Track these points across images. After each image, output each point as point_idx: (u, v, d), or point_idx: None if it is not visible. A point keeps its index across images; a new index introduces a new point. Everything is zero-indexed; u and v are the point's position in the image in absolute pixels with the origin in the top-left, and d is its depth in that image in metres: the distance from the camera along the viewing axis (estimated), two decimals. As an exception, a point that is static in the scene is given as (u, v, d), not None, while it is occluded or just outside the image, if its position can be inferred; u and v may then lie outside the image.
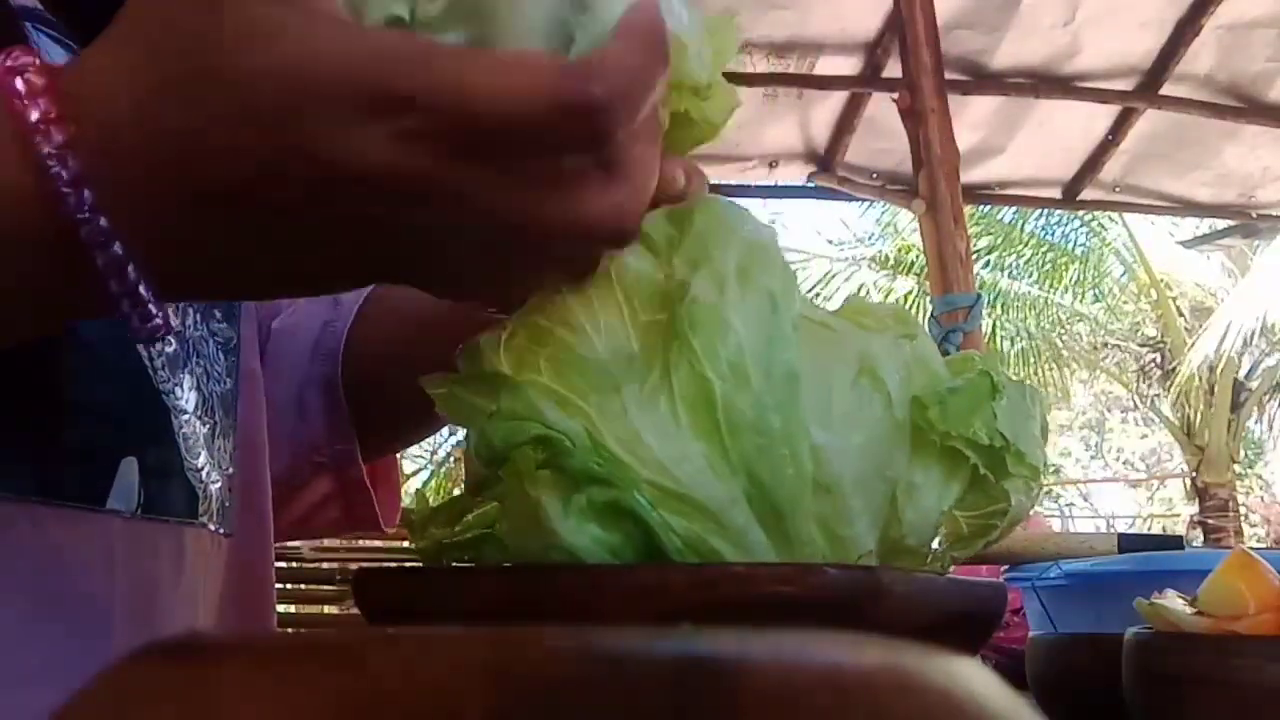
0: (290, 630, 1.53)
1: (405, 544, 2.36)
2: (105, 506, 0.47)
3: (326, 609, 2.36)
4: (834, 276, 9.62)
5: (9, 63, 0.32)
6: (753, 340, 0.38)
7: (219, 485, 0.56)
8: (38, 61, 0.32)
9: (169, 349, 0.53)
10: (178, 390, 0.52)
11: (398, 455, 0.80)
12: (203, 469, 0.54)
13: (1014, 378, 0.43)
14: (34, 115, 0.31)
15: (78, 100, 0.32)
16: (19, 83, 0.32)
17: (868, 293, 9.45)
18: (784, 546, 0.38)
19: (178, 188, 0.32)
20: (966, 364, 0.43)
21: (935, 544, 0.42)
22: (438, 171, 0.32)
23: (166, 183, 0.32)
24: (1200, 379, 8.60)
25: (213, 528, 0.55)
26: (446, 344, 0.41)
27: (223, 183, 0.32)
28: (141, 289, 0.33)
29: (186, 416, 0.53)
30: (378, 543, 2.34)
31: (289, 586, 2.22)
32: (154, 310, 0.34)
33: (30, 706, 0.43)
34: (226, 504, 0.57)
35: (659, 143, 0.37)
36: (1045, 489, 0.44)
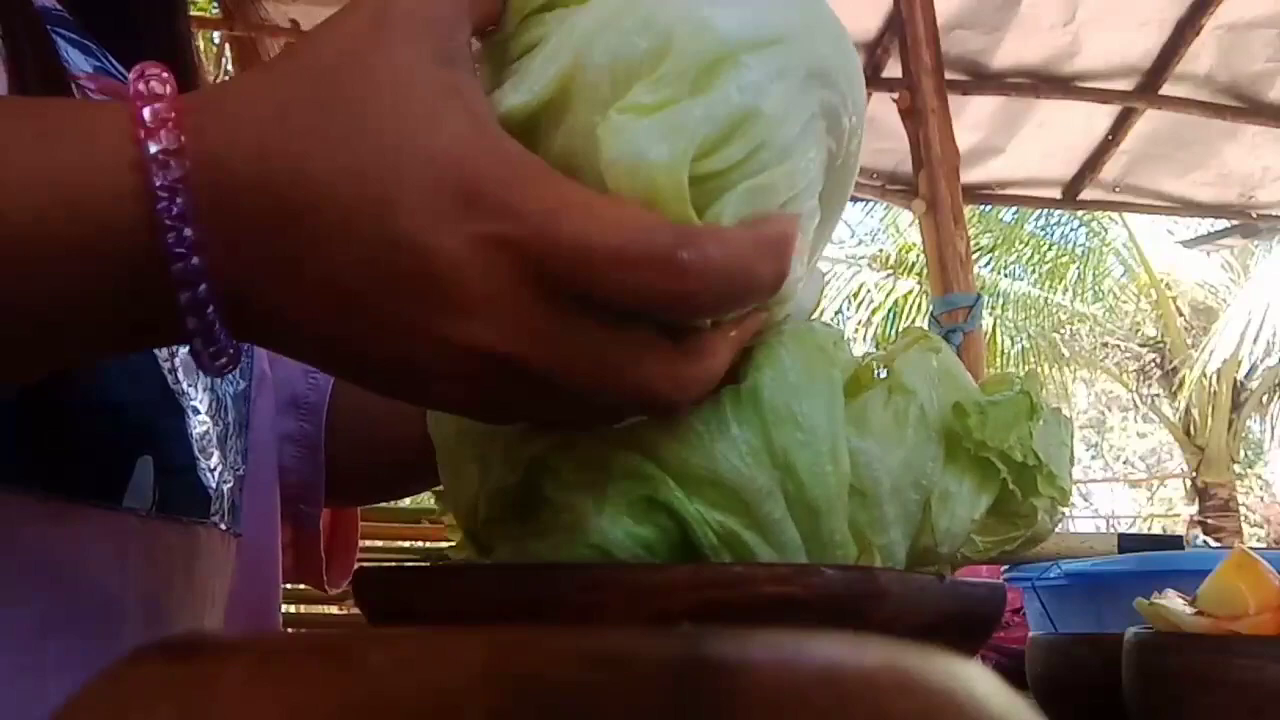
0: (290, 630, 1.53)
1: (406, 544, 2.36)
2: (121, 505, 0.48)
3: (327, 609, 2.36)
4: (836, 277, 9.61)
5: (141, 87, 0.32)
6: (795, 354, 0.38)
7: (230, 485, 0.56)
8: (169, 89, 0.32)
9: (182, 350, 0.53)
10: (191, 392, 0.53)
11: (357, 518, 0.80)
12: (215, 469, 0.54)
13: (1046, 403, 0.43)
14: (154, 148, 0.31)
15: (202, 131, 0.32)
16: (146, 112, 0.32)
17: (869, 293, 9.45)
18: (817, 548, 0.37)
19: (275, 221, 0.32)
20: (1004, 383, 0.43)
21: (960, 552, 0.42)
22: (505, 287, 0.31)
23: (266, 217, 0.32)
24: (1208, 380, 8.59)
25: (223, 527, 0.55)
26: None
27: (313, 216, 0.31)
28: (217, 329, 0.33)
29: (200, 417, 0.53)
30: (378, 542, 2.34)
31: (289, 586, 2.22)
32: (223, 348, 0.34)
33: (46, 700, 0.43)
34: (237, 503, 0.58)
35: (739, 342, 0.36)
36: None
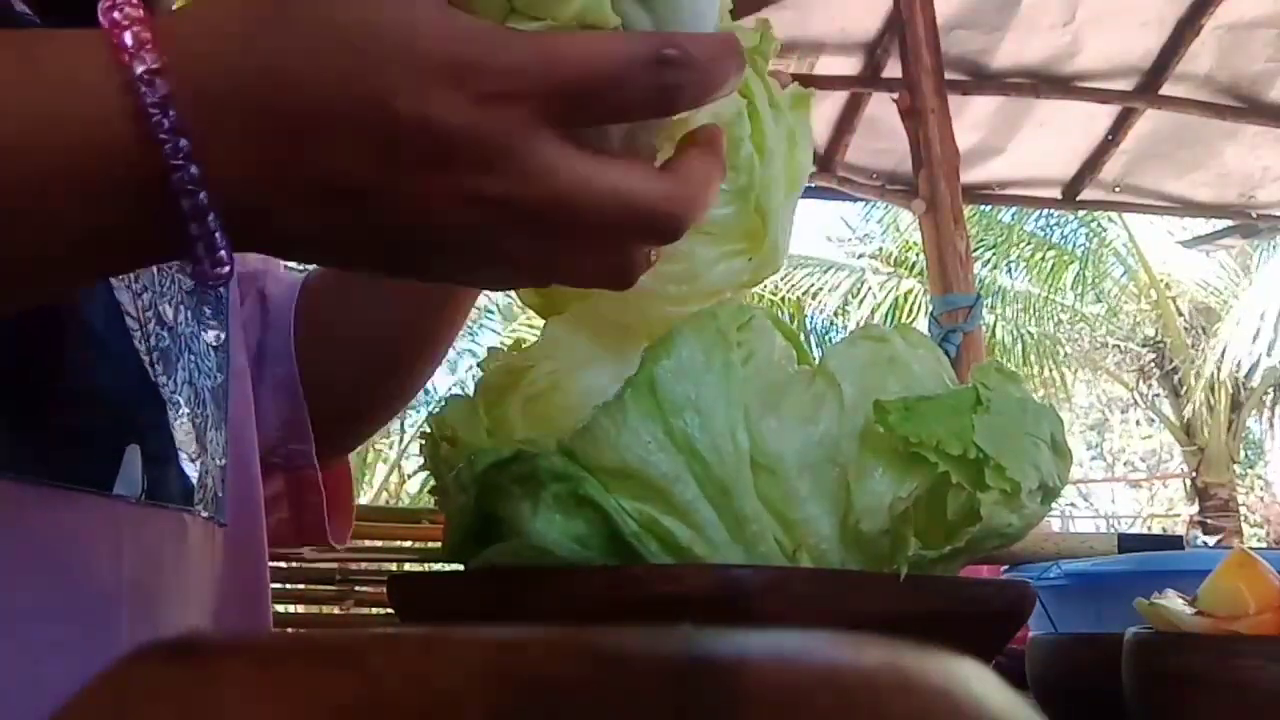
0: (290, 630, 1.53)
1: (405, 544, 2.36)
2: (112, 491, 0.49)
3: (326, 609, 2.36)
4: (837, 276, 9.61)
5: (116, 15, 0.34)
6: (692, 343, 0.41)
7: (213, 476, 0.58)
8: (142, 13, 0.34)
9: (162, 343, 0.54)
10: (171, 383, 0.54)
11: (351, 477, 0.81)
12: (197, 459, 0.55)
13: (1022, 394, 0.43)
14: (139, 69, 0.33)
15: (180, 50, 0.34)
16: (127, 37, 0.33)
17: (871, 292, 9.45)
18: (733, 525, 0.40)
19: (261, 126, 0.33)
20: (984, 374, 0.44)
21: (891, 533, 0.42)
22: (515, 138, 0.33)
23: (252, 122, 0.33)
24: (1217, 380, 8.58)
25: (206, 515, 0.57)
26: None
27: (303, 118, 0.33)
28: (218, 236, 0.35)
29: (180, 408, 0.54)
30: (378, 542, 2.34)
31: (289, 586, 2.21)
32: (224, 256, 0.35)
33: (40, 683, 0.44)
34: (220, 494, 0.59)
35: (720, 162, 0.39)
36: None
